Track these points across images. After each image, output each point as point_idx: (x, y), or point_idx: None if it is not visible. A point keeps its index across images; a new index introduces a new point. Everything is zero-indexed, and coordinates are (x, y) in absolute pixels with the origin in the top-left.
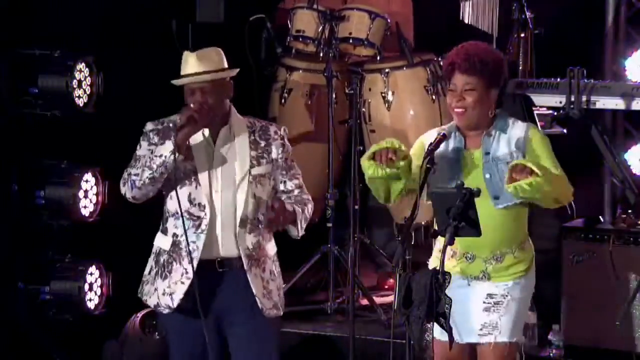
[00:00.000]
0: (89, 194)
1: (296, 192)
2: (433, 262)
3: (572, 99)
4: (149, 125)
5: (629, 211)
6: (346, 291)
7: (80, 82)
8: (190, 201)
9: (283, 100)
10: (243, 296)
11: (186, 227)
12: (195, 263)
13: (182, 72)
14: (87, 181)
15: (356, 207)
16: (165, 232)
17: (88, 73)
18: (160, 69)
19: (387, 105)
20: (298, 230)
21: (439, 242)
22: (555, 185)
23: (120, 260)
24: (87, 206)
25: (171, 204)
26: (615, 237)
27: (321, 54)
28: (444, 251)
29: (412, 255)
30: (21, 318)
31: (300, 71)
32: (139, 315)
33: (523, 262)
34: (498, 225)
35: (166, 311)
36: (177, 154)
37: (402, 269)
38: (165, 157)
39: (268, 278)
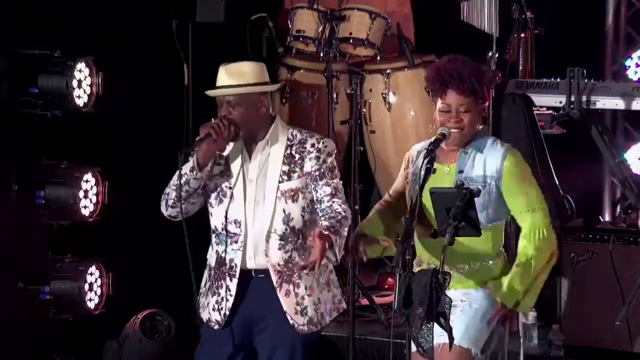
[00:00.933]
0: (89, 194)
1: (326, 200)
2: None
3: (572, 99)
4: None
5: (629, 211)
6: (346, 291)
7: (80, 82)
8: (227, 217)
9: (284, 100)
10: (274, 309)
11: (227, 244)
12: (235, 281)
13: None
14: (87, 181)
15: (356, 207)
16: (212, 247)
17: (88, 73)
18: (160, 69)
19: (387, 106)
20: (337, 256)
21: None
22: (539, 265)
23: (120, 260)
24: (87, 206)
25: (212, 220)
26: (615, 237)
27: (321, 54)
28: (444, 251)
29: (412, 255)
30: (21, 318)
31: (302, 71)
32: (140, 316)
33: (488, 275)
34: (463, 240)
35: (216, 327)
36: (196, 172)
37: (402, 269)
38: (186, 174)
39: (303, 294)
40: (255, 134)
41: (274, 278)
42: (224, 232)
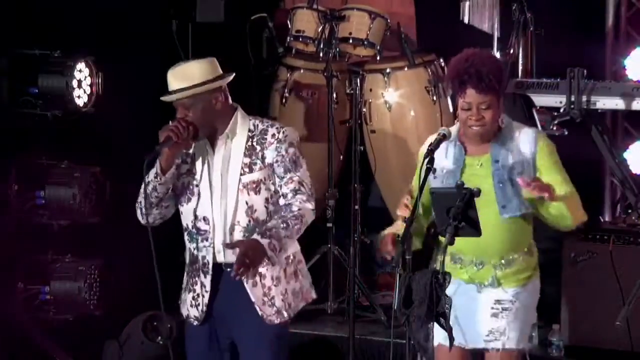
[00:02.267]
0: (89, 195)
1: (289, 196)
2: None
3: (572, 99)
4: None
5: (629, 211)
6: (346, 291)
7: (80, 82)
8: (196, 215)
9: (284, 100)
10: (244, 301)
11: (198, 242)
12: (209, 277)
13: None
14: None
15: (356, 207)
16: (185, 245)
17: (88, 73)
18: (160, 69)
19: (387, 105)
20: (272, 259)
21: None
22: (573, 211)
23: (120, 260)
24: (87, 206)
25: (182, 219)
26: (615, 237)
27: (321, 54)
28: (444, 251)
29: (412, 255)
30: (21, 318)
31: (302, 71)
32: (141, 318)
33: (530, 268)
34: (506, 231)
35: (195, 323)
36: (160, 177)
37: (402, 269)
38: (152, 181)
39: (270, 284)
40: (216, 129)
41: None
42: (194, 229)
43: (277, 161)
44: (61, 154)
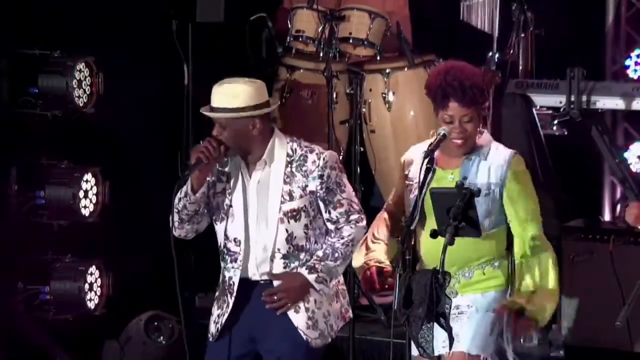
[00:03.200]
0: (89, 194)
1: (342, 220)
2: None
3: (572, 99)
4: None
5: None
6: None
7: (80, 82)
8: (227, 236)
9: (284, 100)
10: (283, 325)
11: (227, 262)
12: (233, 298)
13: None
14: (87, 181)
15: None
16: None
17: (88, 73)
18: (160, 69)
19: (387, 105)
20: (324, 283)
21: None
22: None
23: (120, 260)
24: (87, 206)
25: (217, 237)
26: (615, 237)
27: (321, 54)
28: (444, 251)
29: (412, 255)
30: (21, 318)
31: (302, 71)
32: (143, 317)
33: (494, 279)
34: (468, 243)
35: (210, 339)
36: (190, 197)
37: (402, 269)
38: (182, 199)
39: (313, 308)
40: (250, 152)
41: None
42: (224, 249)
43: (321, 189)
44: (61, 154)
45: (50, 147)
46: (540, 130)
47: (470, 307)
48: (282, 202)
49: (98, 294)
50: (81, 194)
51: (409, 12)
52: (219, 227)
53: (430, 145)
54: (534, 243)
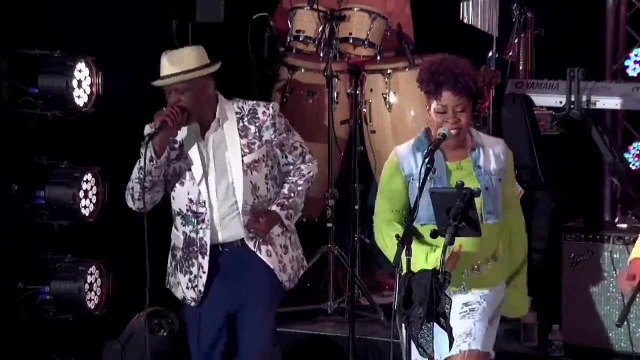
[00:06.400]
0: (89, 194)
1: (298, 161)
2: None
3: (572, 99)
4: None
5: (629, 211)
6: (346, 291)
7: (80, 82)
8: (190, 199)
9: (285, 100)
10: (259, 269)
11: (194, 224)
12: (207, 258)
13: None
14: (87, 181)
15: (356, 207)
16: (176, 228)
17: (88, 73)
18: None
19: (388, 106)
20: (289, 229)
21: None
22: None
23: (120, 260)
24: (87, 206)
25: (175, 203)
26: (615, 237)
27: (321, 54)
28: (444, 251)
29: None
30: (21, 318)
31: (302, 70)
32: (144, 313)
33: (497, 271)
34: (482, 237)
35: (193, 304)
36: (155, 160)
37: (402, 269)
38: (146, 165)
39: (281, 252)
40: (205, 114)
41: (250, 244)
42: (189, 212)
43: (275, 136)
44: (61, 154)
45: (50, 147)
46: (540, 130)
47: (481, 303)
48: (243, 155)
49: (98, 294)
50: (81, 194)
51: (410, 12)
52: (180, 192)
53: (430, 145)
54: (522, 231)
